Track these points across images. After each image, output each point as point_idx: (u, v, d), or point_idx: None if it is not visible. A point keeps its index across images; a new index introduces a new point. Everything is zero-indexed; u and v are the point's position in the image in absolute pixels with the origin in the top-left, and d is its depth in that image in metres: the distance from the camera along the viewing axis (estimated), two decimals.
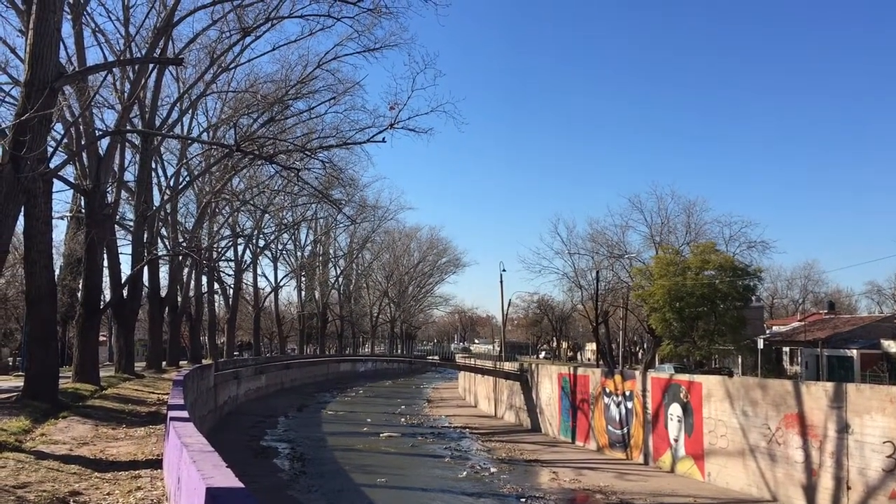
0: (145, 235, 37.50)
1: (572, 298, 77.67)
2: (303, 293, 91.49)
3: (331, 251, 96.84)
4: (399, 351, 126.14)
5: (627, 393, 33.77)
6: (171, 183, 45.50)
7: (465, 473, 29.53)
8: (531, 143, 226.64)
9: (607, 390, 35.64)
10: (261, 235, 69.51)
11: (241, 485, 5.79)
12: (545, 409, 42.79)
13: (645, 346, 78.16)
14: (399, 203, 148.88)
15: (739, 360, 60.29)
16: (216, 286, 65.47)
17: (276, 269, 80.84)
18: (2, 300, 42.47)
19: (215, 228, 58.30)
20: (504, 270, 76.07)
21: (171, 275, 46.81)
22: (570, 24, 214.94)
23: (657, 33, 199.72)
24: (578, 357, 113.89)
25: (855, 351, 52.47)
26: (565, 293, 78.15)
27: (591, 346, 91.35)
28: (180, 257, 45.29)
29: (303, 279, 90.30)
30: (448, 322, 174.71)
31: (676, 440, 29.63)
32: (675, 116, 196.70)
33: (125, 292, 33.94)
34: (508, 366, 53.27)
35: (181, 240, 47.81)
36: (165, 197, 44.37)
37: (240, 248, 66.62)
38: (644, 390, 32.38)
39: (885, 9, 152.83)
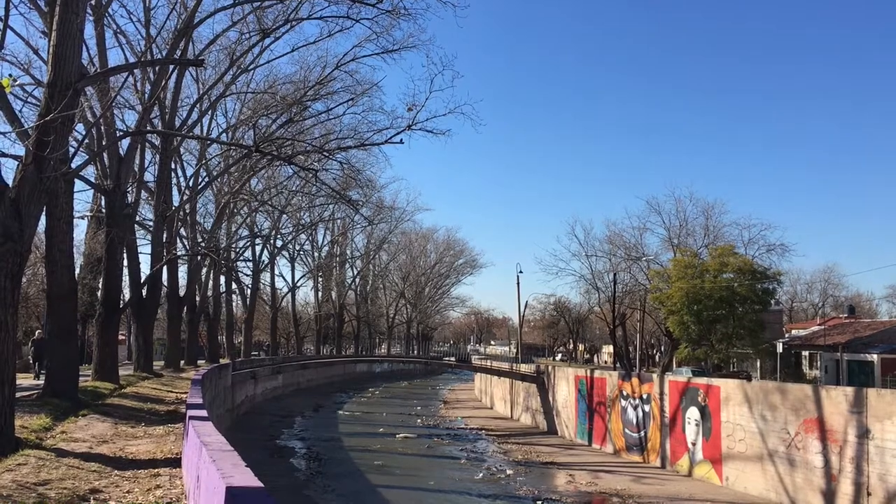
0: (164, 235, 37.76)
1: (589, 301, 77.32)
2: (320, 294, 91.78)
3: (348, 252, 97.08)
4: (415, 352, 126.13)
5: (645, 396, 33.59)
6: (191, 183, 45.78)
7: (480, 475, 29.50)
8: (547, 144, 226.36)
9: (624, 393, 35.46)
10: (278, 236, 69.79)
11: (260, 484, 5.82)
12: (561, 411, 42.64)
13: (662, 349, 77.65)
14: (416, 204, 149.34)
15: (758, 363, 59.81)
16: (234, 286, 65.78)
17: (293, 269, 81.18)
18: (23, 299, 42.87)
19: (233, 229, 58.63)
20: (521, 272, 76.04)
21: (189, 275, 47.06)
22: (590, 23, 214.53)
23: (676, 34, 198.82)
24: (595, 360, 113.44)
25: (875, 356, 51.88)
26: (582, 295, 77.94)
27: (608, 349, 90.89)
28: (199, 257, 45.56)
29: (320, 280, 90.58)
30: (464, 323, 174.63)
31: (694, 444, 29.44)
32: (694, 119, 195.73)
33: (144, 292, 34.18)
34: (524, 368, 53.15)
35: (200, 240, 48.11)
36: (185, 197, 44.69)
37: (257, 249, 66.89)
38: (661, 393, 32.18)
39: None
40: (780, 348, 55.31)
